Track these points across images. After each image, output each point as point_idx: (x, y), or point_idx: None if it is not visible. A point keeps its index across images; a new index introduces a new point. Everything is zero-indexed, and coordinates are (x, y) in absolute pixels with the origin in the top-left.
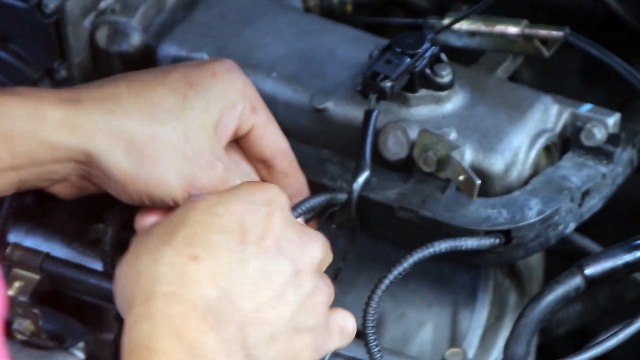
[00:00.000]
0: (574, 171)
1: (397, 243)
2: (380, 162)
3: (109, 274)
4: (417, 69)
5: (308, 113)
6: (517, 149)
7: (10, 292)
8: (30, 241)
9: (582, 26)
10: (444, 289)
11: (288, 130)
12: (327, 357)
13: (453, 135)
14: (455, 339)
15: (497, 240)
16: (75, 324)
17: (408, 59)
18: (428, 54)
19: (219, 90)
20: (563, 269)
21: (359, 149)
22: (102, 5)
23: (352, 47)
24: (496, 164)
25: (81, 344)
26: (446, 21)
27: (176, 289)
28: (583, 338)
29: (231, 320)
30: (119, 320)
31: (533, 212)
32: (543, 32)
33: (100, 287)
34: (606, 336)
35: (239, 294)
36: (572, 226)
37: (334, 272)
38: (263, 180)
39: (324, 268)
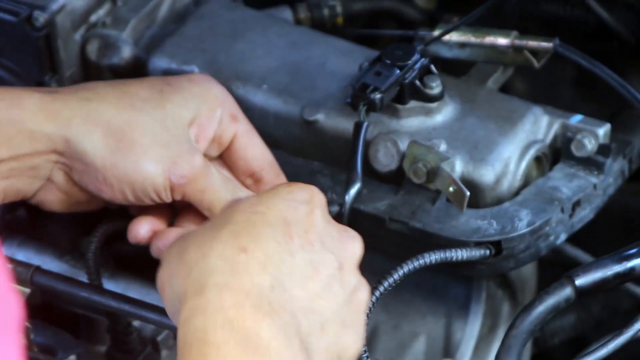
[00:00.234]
0: (565, 182)
1: (388, 254)
2: (370, 173)
3: (99, 287)
4: (406, 81)
5: (298, 125)
6: (508, 160)
7: None
8: (22, 254)
9: (573, 37)
10: (438, 300)
11: (279, 142)
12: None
13: (443, 147)
14: (448, 350)
15: (488, 252)
16: (67, 337)
17: (398, 71)
18: (418, 65)
19: (195, 92)
20: (556, 280)
21: (350, 161)
22: (93, 18)
23: (343, 59)
24: (486, 175)
25: (73, 357)
26: (436, 33)
27: (228, 279)
28: (578, 348)
29: (285, 308)
30: (111, 333)
31: (523, 223)
32: (532, 43)
33: (92, 300)
34: (597, 345)
35: (290, 282)
36: (563, 237)
37: None
38: None
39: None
